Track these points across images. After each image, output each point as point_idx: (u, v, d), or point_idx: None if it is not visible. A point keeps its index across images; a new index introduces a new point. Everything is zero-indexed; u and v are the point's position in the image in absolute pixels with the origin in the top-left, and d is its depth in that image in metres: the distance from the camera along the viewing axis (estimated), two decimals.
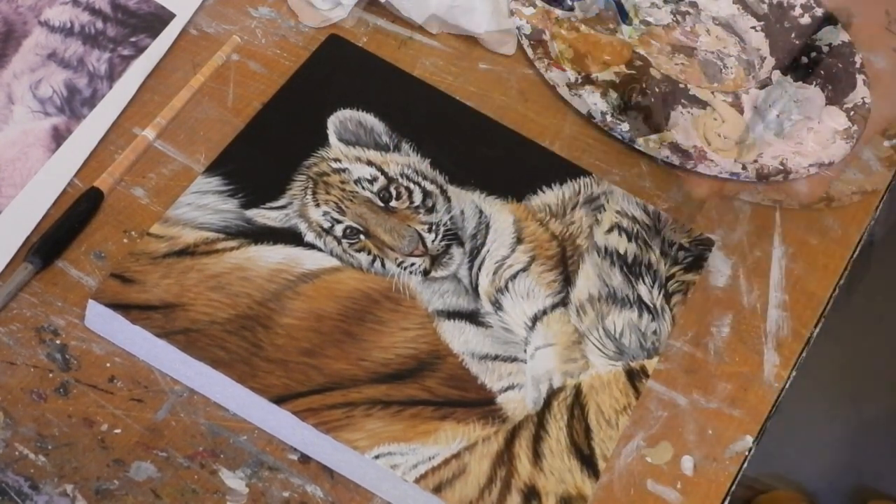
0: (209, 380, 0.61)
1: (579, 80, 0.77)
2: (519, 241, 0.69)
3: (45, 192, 0.66)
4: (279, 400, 0.60)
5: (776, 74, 0.81)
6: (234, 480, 0.60)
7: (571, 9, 0.83)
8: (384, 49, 0.77)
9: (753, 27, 0.85)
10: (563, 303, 0.67)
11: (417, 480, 0.59)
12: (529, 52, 0.79)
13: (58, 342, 0.62)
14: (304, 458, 0.61)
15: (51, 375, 0.61)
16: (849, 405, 1.57)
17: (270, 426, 0.61)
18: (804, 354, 0.70)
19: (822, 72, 0.82)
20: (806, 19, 0.86)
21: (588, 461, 0.62)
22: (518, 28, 0.80)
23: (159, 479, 0.59)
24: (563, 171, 0.72)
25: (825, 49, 0.84)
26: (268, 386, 0.60)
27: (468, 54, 0.79)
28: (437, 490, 0.59)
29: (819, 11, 0.86)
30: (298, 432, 0.60)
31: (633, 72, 0.80)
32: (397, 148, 0.71)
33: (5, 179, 0.66)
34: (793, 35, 0.85)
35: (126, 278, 0.62)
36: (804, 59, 0.83)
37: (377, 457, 0.60)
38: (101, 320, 0.62)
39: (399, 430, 0.61)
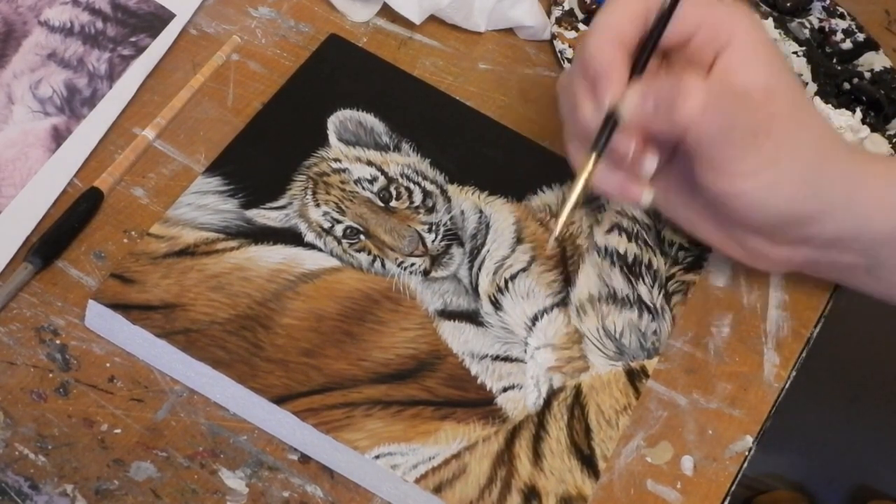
0: (209, 380, 0.61)
1: None
2: (519, 241, 0.69)
3: (45, 192, 0.66)
4: (279, 400, 0.60)
5: (818, 101, 0.81)
6: (234, 480, 0.60)
7: None
8: (384, 49, 0.77)
9: (795, 52, 0.85)
10: (564, 303, 0.67)
11: (417, 480, 0.59)
12: None
13: (58, 342, 0.62)
14: (304, 458, 0.61)
15: (51, 375, 0.61)
16: (849, 405, 1.57)
17: (270, 426, 0.61)
18: (804, 354, 0.70)
19: (865, 98, 0.82)
20: (847, 45, 0.86)
21: (588, 461, 0.62)
22: (560, 52, 0.80)
23: (159, 479, 0.59)
24: (564, 171, 0.72)
25: (867, 75, 0.84)
26: (268, 386, 0.60)
27: (468, 54, 0.79)
28: (438, 490, 0.59)
29: (861, 37, 0.86)
30: (298, 432, 0.60)
31: None
32: (397, 148, 0.71)
33: (5, 179, 0.66)
34: (834, 60, 0.85)
35: (126, 278, 0.62)
36: (846, 86, 0.83)
37: (377, 457, 0.60)
38: (101, 320, 0.62)
39: (399, 430, 0.61)
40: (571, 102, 0.64)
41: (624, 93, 0.61)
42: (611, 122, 0.62)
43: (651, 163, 0.63)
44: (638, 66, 0.62)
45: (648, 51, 0.62)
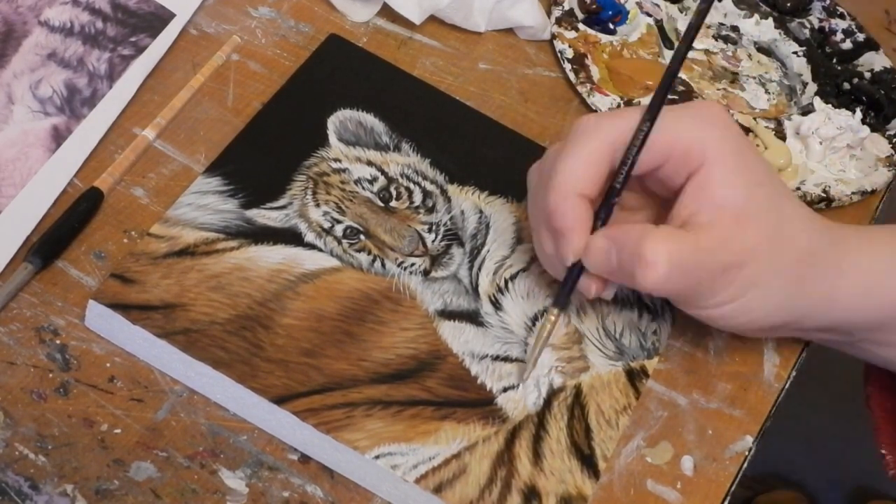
0: (209, 380, 0.61)
1: (622, 105, 0.77)
2: (519, 241, 0.69)
3: (45, 192, 0.66)
4: (279, 400, 0.60)
5: (818, 101, 0.81)
6: (234, 480, 0.60)
7: (614, 33, 0.83)
8: (384, 49, 0.77)
9: (795, 52, 0.85)
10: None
11: (418, 481, 0.59)
12: (572, 76, 0.78)
13: (58, 342, 0.62)
14: (304, 458, 0.61)
15: (51, 375, 0.61)
16: (849, 405, 1.57)
17: (270, 426, 0.61)
18: (804, 354, 0.70)
19: (865, 98, 0.82)
20: (847, 45, 0.86)
21: (588, 461, 0.62)
22: (560, 52, 0.80)
23: (159, 479, 0.59)
24: None
25: (867, 75, 0.84)
26: (268, 386, 0.60)
27: (468, 54, 0.79)
28: (438, 490, 0.59)
29: (861, 37, 0.86)
30: (298, 432, 0.60)
31: (675, 97, 0.79)
32: (397, 148, 0.71)
33: (5, 179, 0.66)
34: (834, 60, 0.85)
35: (126, 278, 0.62)
36: (846, 86, 0.83)
37: (377, 457, 0.60)
38: (101, 320, 0.62)
39: (399, 430, 0.61)
40: (536, 227, 0.63)
41: (586, 243, 0.60)
42: (574, 273, 0.62)
43: (610, 292, 0.64)
44: (599, 217, 0.61)
45: (610, 204, 0.61)
